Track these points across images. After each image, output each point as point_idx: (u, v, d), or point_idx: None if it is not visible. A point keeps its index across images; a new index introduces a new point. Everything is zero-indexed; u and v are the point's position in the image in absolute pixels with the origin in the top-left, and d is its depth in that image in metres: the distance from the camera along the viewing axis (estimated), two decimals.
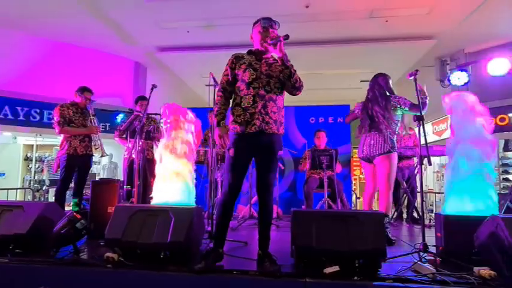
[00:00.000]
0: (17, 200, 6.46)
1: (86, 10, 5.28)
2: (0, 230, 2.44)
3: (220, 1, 5.03)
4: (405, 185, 4.58)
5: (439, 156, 5.30)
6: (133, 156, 3.41)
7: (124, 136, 4.14)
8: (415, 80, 2.70)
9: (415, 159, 4.74)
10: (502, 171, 6.60)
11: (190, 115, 2.93)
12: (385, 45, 6.30)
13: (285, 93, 2.33)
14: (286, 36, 2.11)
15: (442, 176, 7.40)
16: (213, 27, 5.83)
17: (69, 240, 2.37)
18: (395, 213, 4.70)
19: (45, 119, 6.42)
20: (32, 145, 7.78)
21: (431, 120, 7.71)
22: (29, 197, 7.03)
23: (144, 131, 3.82)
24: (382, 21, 5.54)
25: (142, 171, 3.41)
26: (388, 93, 3.14)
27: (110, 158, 7.58)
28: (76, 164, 3.67)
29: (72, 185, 3.77)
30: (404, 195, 4.63)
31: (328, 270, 1.93)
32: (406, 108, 3.05)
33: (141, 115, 3.44)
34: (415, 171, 4.59)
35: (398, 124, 3.18)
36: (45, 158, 7.77)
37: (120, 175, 7.12)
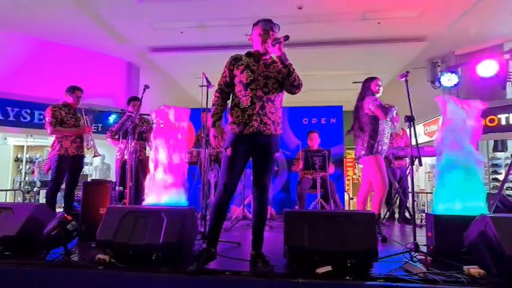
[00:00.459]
0: (7, 202, 6.36)
1: (77, 9, 5.23)
2: None
3: (214, 2, 5.03)
4: (397, 185, 4.62)
5: (430, 156, 5.37)
6: (126, 157, 3.38)
7: (116, 137, 4.11)
8: (406, 81, 2.74)
9: (407, 160, 4.79)
10: (492, 172, 6.70)
11: (182, 116, 2.92)
12: (377, 46, 6.37)
13: (284, 93, 2.34)
14: (286, 37, 2.14)
15: (434, 176, 7.46)
16: (207, 27, 5.82)
17: (60, 242, 2.35)
18: (388, 213, 4.74)
19: (36, 120, 6.33)
20: (23, 146, 7.65)
21: (423, 121, 7.80)
22: (19, 199, 6.92)
23: (136, 131, 3.79)
24: (374, 23, 5.59)
25: (135, 172, 3.39)
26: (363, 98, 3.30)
27: (102, 159, 7.50)
28: (67, 164, 3.63)
29: (63, 186, 3.73)
30: (397, 195, 4.67)
31: (321, 270, 1.94)
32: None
33: (134, 116, 3.42)
34: (407, 172, 4.64)
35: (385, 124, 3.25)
36: (36, 159, 7.65)
37: (112, 176, 7.05)
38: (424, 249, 2.51)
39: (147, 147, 4.10)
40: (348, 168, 11.45)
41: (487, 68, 3.53)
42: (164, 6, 5.12)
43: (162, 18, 5.55)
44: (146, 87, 3.21)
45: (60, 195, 3.98)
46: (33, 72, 6.29)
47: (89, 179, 6.15)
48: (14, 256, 2.32)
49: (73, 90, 3.76)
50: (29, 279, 2.10)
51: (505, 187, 3.84)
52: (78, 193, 3.74)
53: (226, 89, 2.30)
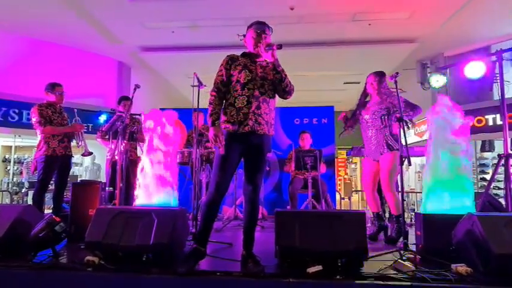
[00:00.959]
0: None
1: (67, 8, 5.16)
2: None
3: (206, 1, 5.01)
4: None
5: (420, 156, 5.44)
6: (116, 157, 3.34)
7: (106, 137, 4.06)
8: (396, 82, 2.77)
9: None
10: (480, 171, 6.83)
11: (172, 117, 2.90)
12: (368, 48, 6.43)
13: (277, 96, 2.38)
14: (279, 46, 2.18)
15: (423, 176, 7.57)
16: (198, 27, 5.80)
17: (48, 244, 2.30)
18: None
19: (25, 120, 6.22)
20: (11, 146, 7.51)
21: (412, 122, 7.90)
22: (7, 200, 6.79)
23: (127, 131, 3.75)
24: (365, 24, 5.65)
25: (126, 173, 3.35)
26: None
27: (92, 159, 7.41)
28: (55, 165, 3.56)
29: (52, 187, 3.66)
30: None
31: (311, 269, 1.95)
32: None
33: (124, 115, 3.39)
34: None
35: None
36: (25, 159, 7.52)
37: (103, 177, 6.97)
38: (413, 247, 2.55)
39: (138, 148, 4.06)
40: (339, 168, 11.54)
41: (474, 70, 3.58)
42: (156, 5, 5.09)
43: (153, 18, 5.51)
44: (137, 86, 3.18)
45: (49, 196, 3.92)
46: (22, 72, 6.18)
47: (79, 180, 6.07)
48: (1, 259, 2.26)
49: (52, 87, 3.64)
50: (16, 282, 2.06)
51: (492, 186, 3.92)
52: (67, 194, 3.68)
53: (222, 88, 2.30)
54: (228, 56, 2.34)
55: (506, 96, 3.18)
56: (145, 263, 2.14)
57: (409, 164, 2.54)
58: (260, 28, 2.28)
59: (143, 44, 6.62)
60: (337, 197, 5.90)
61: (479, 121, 6.16)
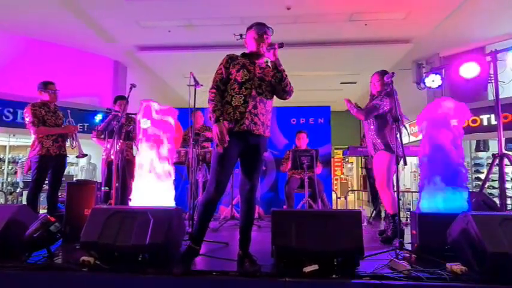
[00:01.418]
0: None
1: (63, 7, 5.12)
2: None
3: (201, 1, 5.00)
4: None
5: (415, 156, 5.46)
6: (112, 157, 3.33)
7: (102, 136, 4.03)
8: (392, 81, 2.79)
9: None
10: (474, 171, 6.88)
11: (168, 112, 2.89)
12: (364, 48, 6.45)
13: (274, 98, 2.38)
14: (281, 44, 2.20)
15: (419, 175, 7.60)
16: (194, 27, 5.78)
17: (43, 244, 2.29)
18: (374, 211, 4.82)
19: (19, 119, 6.15)
20: (5, 146, 7.44)
21: (408, 122, 7.94)
22: (2, 200, 6.72)
23: (123, 131, 3.73)
24: (361, 24, 5.67)
25: (121, 172, 3.34)
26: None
27: (88, 159, 7.36)
28: (49, 165, 3.53)
29: (46, 187, 3.64)
30: None
31: (308, 269, 1.95)
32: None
33: (120, 115, 3.37)
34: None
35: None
36: (19, 159, 7.46)
37: (98, 177, 6.93)
38: (409, 246, 2.56)
39: (134, 147, 4.04)
40: (335, 168, 11.58)
41: (469, 70, 3.61)
42: (151, 4, 5.07)
43: (149, 17, 5.48)
44: (133, 86, 3.17)
45: (44, 196, 3.89)
46: (16, 71, 6.13)
47: (74, 180, 6.03)
48: None
49: (45, 85, 3.60)
50: (11, 283, 2.04)
51: (486, 186, 3.95)
52: (63, 194, 3.65)
53: (221, 86, 2.29)
54: (227, 55, 2.35)
55: (501, 96, 3.21)
56: (141, 263, 2.13)
57: (405, 163, 2.56)
58: (261, 29, 2.30)
59: (139, 43, 6.58)
60: (334, 196, 5.91)
61: (473, 121, 6.19)
